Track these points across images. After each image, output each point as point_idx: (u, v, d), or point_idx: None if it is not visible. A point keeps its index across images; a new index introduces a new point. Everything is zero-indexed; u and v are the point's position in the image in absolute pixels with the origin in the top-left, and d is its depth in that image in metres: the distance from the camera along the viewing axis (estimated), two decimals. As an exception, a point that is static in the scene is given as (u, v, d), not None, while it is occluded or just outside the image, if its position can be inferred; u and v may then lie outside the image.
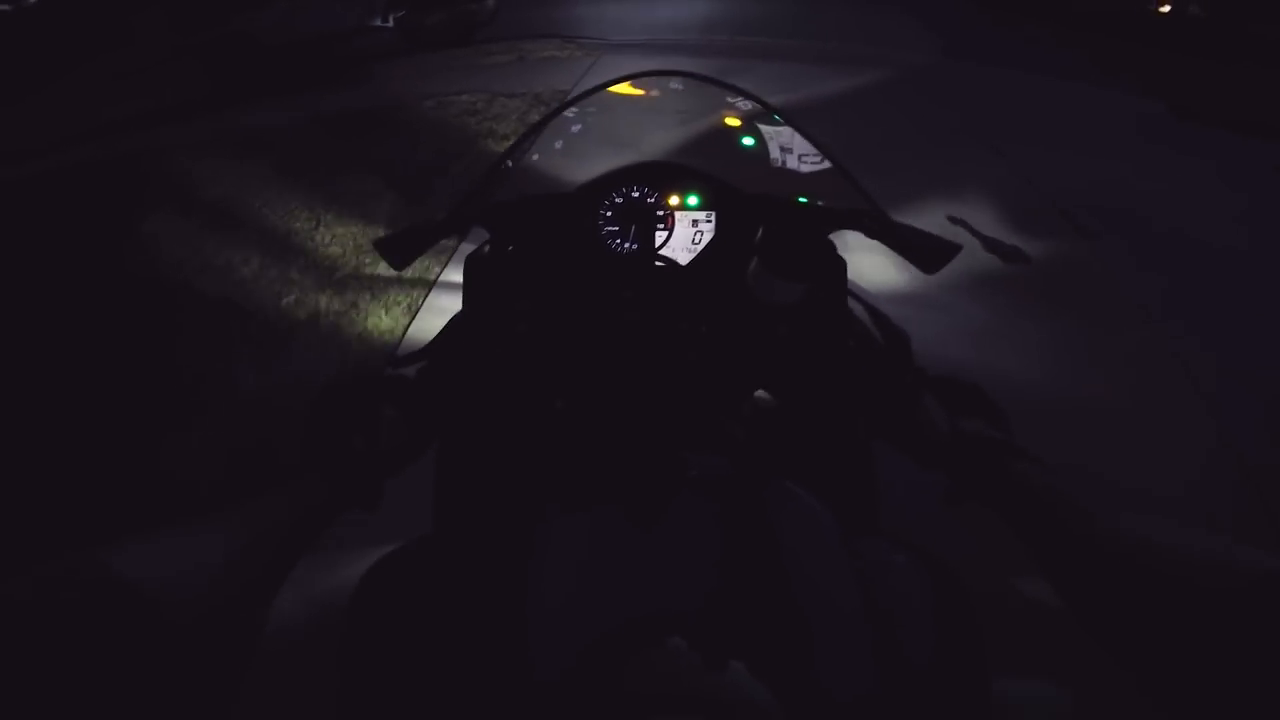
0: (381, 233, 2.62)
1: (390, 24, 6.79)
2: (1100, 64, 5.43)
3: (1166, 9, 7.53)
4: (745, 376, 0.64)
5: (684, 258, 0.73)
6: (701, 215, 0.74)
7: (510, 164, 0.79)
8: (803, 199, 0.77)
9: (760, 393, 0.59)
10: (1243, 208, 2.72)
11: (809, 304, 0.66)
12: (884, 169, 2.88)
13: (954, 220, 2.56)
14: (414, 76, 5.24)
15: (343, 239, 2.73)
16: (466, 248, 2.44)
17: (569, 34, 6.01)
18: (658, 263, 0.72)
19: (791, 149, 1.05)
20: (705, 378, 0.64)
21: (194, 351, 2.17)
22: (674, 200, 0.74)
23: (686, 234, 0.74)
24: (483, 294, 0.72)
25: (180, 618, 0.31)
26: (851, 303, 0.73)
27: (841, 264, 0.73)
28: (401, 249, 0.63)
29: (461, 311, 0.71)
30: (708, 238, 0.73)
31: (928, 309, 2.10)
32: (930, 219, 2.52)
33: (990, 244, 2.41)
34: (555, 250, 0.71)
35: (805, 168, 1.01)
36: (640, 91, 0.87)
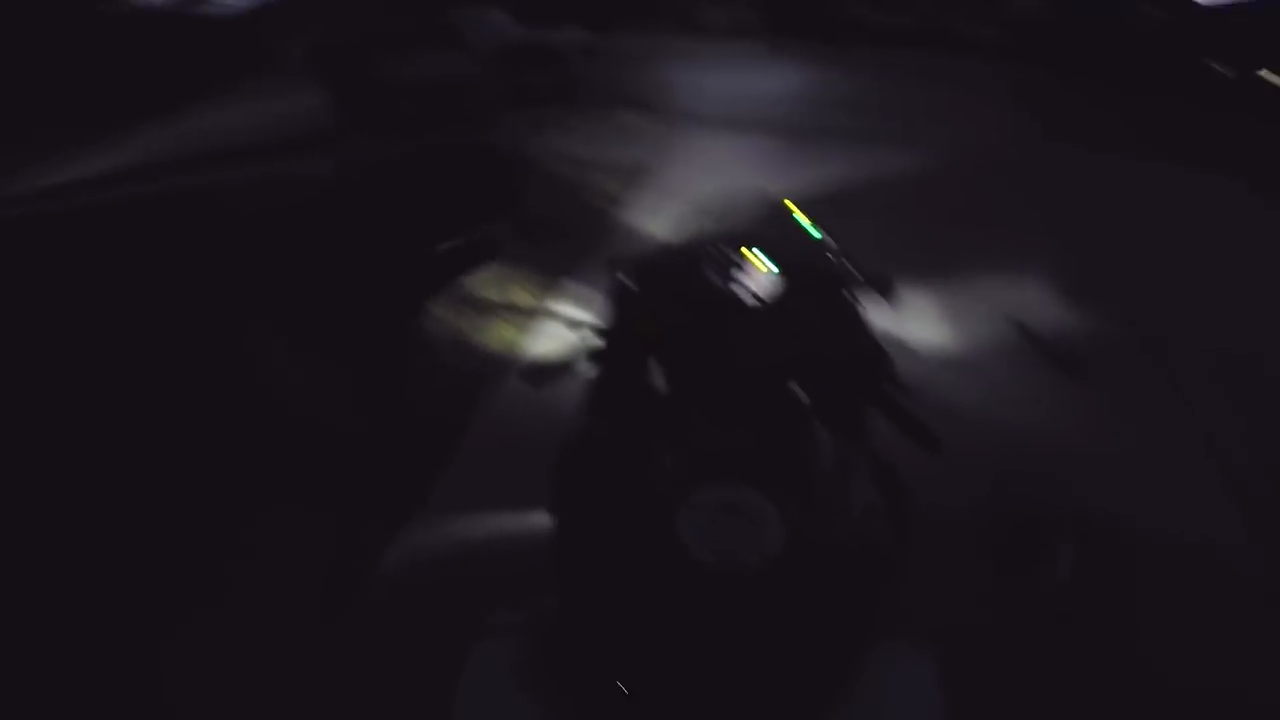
0: (509, 269, 2.94)
1: (498, 79, 7.55)
2: (1179, 135, 5.39)
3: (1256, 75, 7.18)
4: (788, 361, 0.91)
5: (763, 296, 1.01)
6: (771, 265, 1.02)
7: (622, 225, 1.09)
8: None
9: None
10: None
11: (825, 320, 0.96)
12: (957, 257, 3.05)
13: (1013, 321, 2.57)
14: (517, 131, 5.79)
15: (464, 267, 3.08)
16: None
17: (652, 102, 6.49)
18: (744, 297, 0.99)
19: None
20: (770, 363, 0.91)
21: (333, 372, 2.44)
22: (752, 256, 1.03)
23: (764, 280, 1.02)
24: (621, 323, 1.02)
25: None
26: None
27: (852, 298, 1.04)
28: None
29: (608, 335, 1.01)
30: (779, 288, 1.01)
31: (966, 369, 2.25)
32: (995, 317, 2.57)
33: (1049, 350, 2.43)
34: (676, 288, 1.00)
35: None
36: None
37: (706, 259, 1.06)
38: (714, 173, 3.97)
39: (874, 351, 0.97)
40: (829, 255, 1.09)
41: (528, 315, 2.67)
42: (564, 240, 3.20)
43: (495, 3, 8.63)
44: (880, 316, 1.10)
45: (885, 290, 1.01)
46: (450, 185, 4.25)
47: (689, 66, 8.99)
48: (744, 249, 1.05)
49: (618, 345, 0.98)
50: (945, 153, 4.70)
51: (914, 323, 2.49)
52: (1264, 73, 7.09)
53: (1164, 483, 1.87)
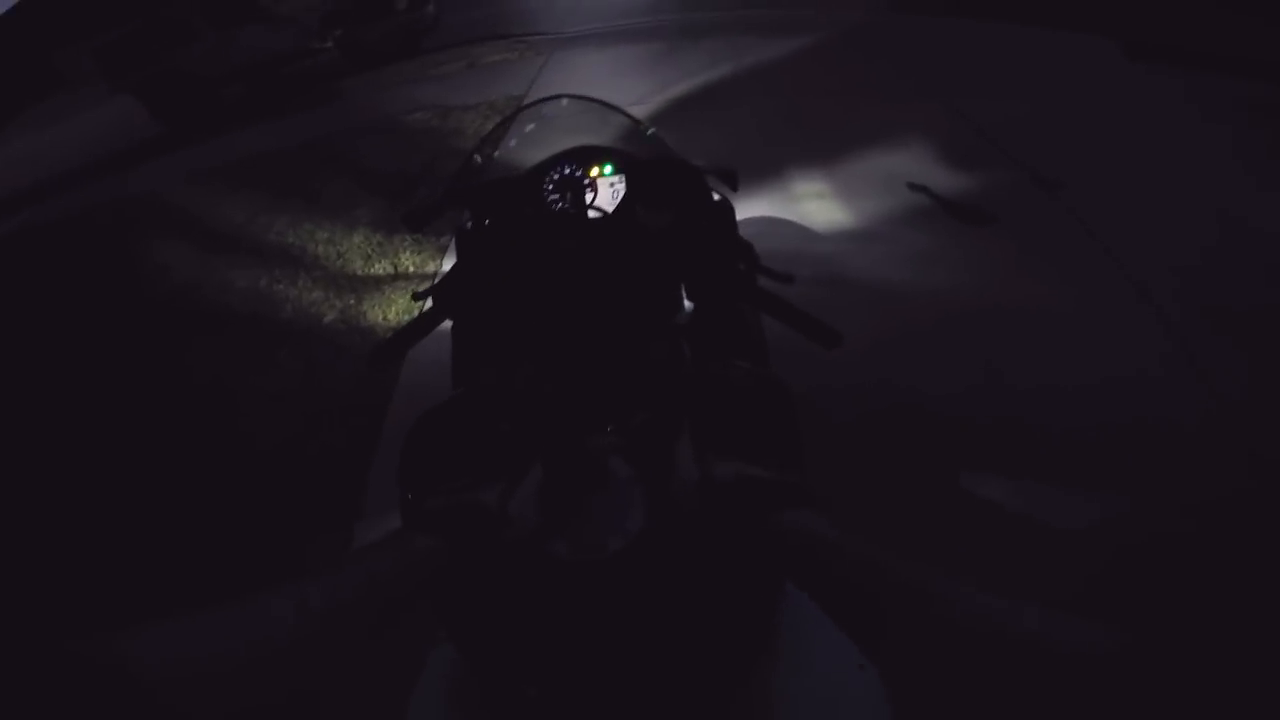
0: (374, 235, 2.72)
1: (330, 44, 6.71)
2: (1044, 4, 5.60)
3: None
4: (647, 277, 0.89)
5: (609, 207, 1.00)
6: (615, 179, 1.01)
7: (479, 159, 1.04)
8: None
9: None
10: (1203, 145, 2.73)
11: (676, 226, 0.94)
12: (841, 134, 3.02)
13: (914, 187, 2.50)
14: (369, 94, 5.19)
15: (339, 245, 2.83)
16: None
17: (517, 33, 6.03)
18: (591, 213, 0.98)
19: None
20: (628, 281, 0.89)
21: (216, 361, 2.30)
22: (595, 171, 1.01)
23: (607, 192, 1.01)
24: (469, 253, 1.01)
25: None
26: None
27: (705, 198, 1.02)
28: (417, 220, 0.95)
29: (455, 265, 0.96)
30: (622, 192, 1.00)
31: (871, 240, 2.23)
32: (892, 186, 2.51)
33: (955, 209, 2.37)
34: (517, 216, 0.98)
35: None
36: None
37: (555, 183, 1.01)
38: (588, 91, 3.73)
39: (740, 247, 0.92)
40: (669, 156, 1.02)
41: (416, 280, 2.47)
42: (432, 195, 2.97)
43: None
44: (735, 204, 1.04)
45: (729, 180, 0.94)
46: (309, 169, 3.82)
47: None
48: (591, 165, 1.01)
49: (472, 296, 0.90)
50: (807, 32, 4.62)
51: (812, 203, 2.49)
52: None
53: (1098, 330, 1.81)
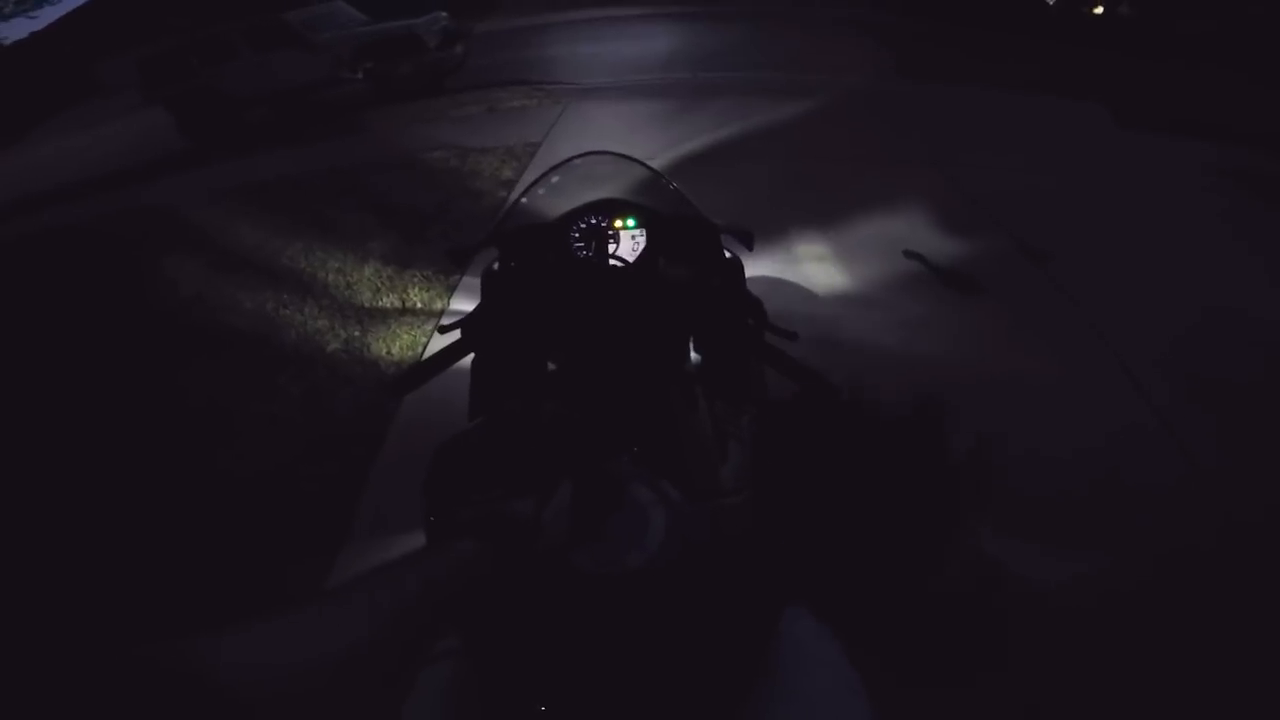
0: (385, 269, 2.77)
1: (360, 76, 6.97)
2: (1038, 71, 5.85)
3: (1100, 10, 8.08)
4: (662, 326, 0.93)
5: (630, 258, 1.05)
6: (638, 232, 1.06)
7: (519, 203, 1.10)
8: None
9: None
10: (1185, 213, 2.94)
11: (697, 281, 0.99)
12: (842, 198, 3.15)
13: (910, 254, 2.61)
14: (392, 129, 5.38)
15: (350, 275, 2.88)
16: (471, 283, 2.63)
17: (536, 79, 6.32)
18: (613, 262, 1.03)
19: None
20: (644, 329, 0.93)
21: (214, 381, 2.32)
22: (619, 223, 1.06)
23: (629, 244, 1.06)
24: (495, 292, 1.05)
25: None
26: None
27: (719, 255, 1.09)
28: (461, 257, 1.05)
29: (481, 303, 1.00)
30: (643, 245, 1.05)
31: (868, 305, 2.31)
32: (889, 252, 2.62)
33: (947, 277, 2.46)
34: (543, 261, 1.02)
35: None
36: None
37: (579, 232, 1.06)
38: (603, 142, 3.88)
39: (749, 303, 0.97)
40: (689, 211, 1.09)
41: (423, 316, 2.52)
42: (445, 238, 3.06)
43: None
44: (753, 266, 1.12)
45: (746, 240, 1.03)
46: (327, 197, 3.92)
47: (563, 40, 8.75)
48: (615, 217, 1.06)
49: (496, 333, 0.94)
50: (814, 97, 4.88)
51: (813, 266, 2.58)
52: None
53: (1081, 399, 1.88)
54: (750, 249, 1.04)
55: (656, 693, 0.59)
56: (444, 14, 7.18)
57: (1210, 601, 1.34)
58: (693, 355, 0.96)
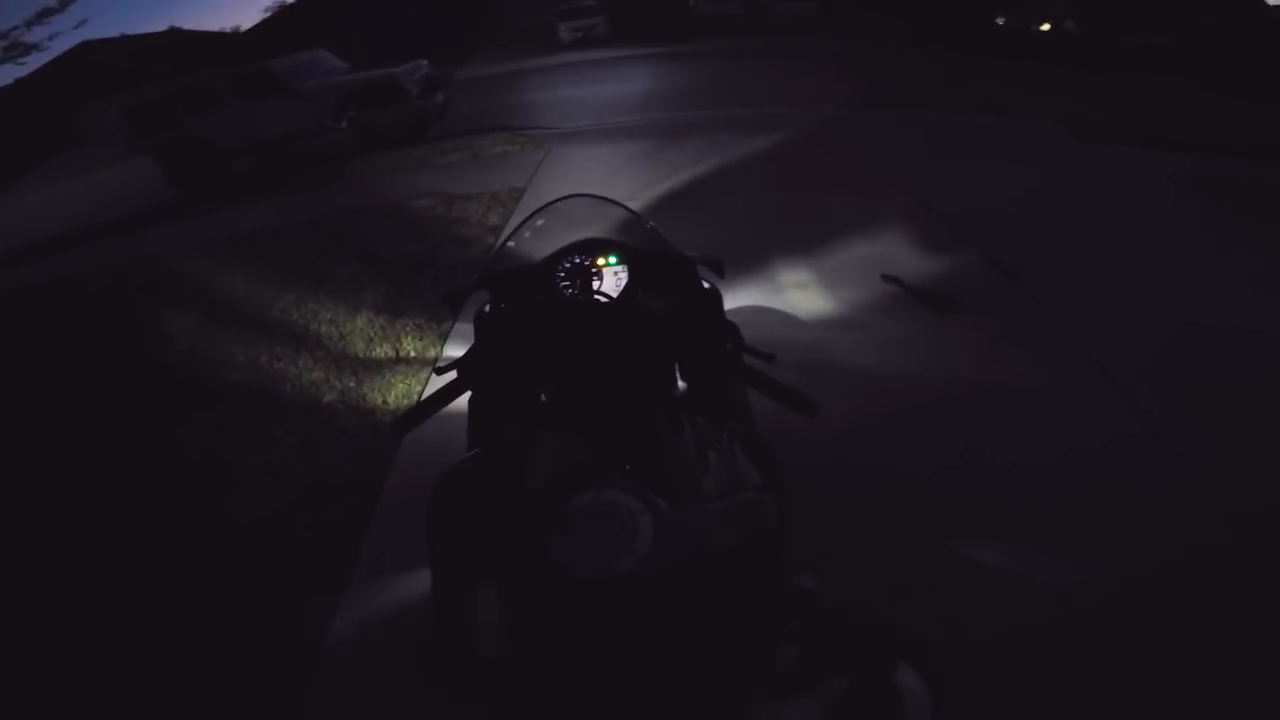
0: (377, 318, 2.81)
1: (344, 124, 7.12)
2: (997, 89, 6.13)
3: (1047, 27, 8.43)
4: (646, 354, 0.98)
5: (614, 293, 1.13)
6: (619, 268, 1.15)
7: (506, 247, 1.17)
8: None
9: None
10: (1136, 215, 3.08)
11: (673, 310, 1.07)
12: (819, 226, 3.27)
13: (887, 278, 2.69)
14: (377, 177, 5.48)
15: (342, 326, 2.93)
16: (463, 327, 2.69)
17: (518, 125, 6.51)
18: (597, 298, 1.11)
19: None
20: (630, 359, 0.97)
21: (211, 433, 2.34)
22: (601, 260, 1.15)
23: (612, 280, 1.15)
24: (488, 333, 1.11)
25: None
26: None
27: (696, 285, 1.16)
28: (455, 300, 1.10)
29: (475, 344, 1.07)
30: (625, 280, 1.13)
31: (849, 328, 2.40)
32: (867, 276, 2.71)
33: (925, 298, 2.54)
34: (532, 301, 1.09)
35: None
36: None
37: (564, 271, 1.14)
38: (586, 184, 4.01)
39: (728, 328, 1.06)
40: (664, 247, 1.17)
41: (417, 365, 2.56)
42: (435, 285, 3.13)
43: (315, 47, 8.12)
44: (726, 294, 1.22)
45: (716, 268, 1.11)
46: (316, 246, 3.98)
47: (543, 85, 9.06)
48: (598, 255, 1.14)
49: (491, 370, 0.99)
50: (785, 129, 5.10)
51: (795, 293, 2.67)
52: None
53: (1063, 409, 1.91)
54: (722, 276, 1.12)
55: (645, 691, 0.62)
56: (425, 62, 7.40)
57: (1210, 602, 1.36)
58: (679, 381, 1.01)
